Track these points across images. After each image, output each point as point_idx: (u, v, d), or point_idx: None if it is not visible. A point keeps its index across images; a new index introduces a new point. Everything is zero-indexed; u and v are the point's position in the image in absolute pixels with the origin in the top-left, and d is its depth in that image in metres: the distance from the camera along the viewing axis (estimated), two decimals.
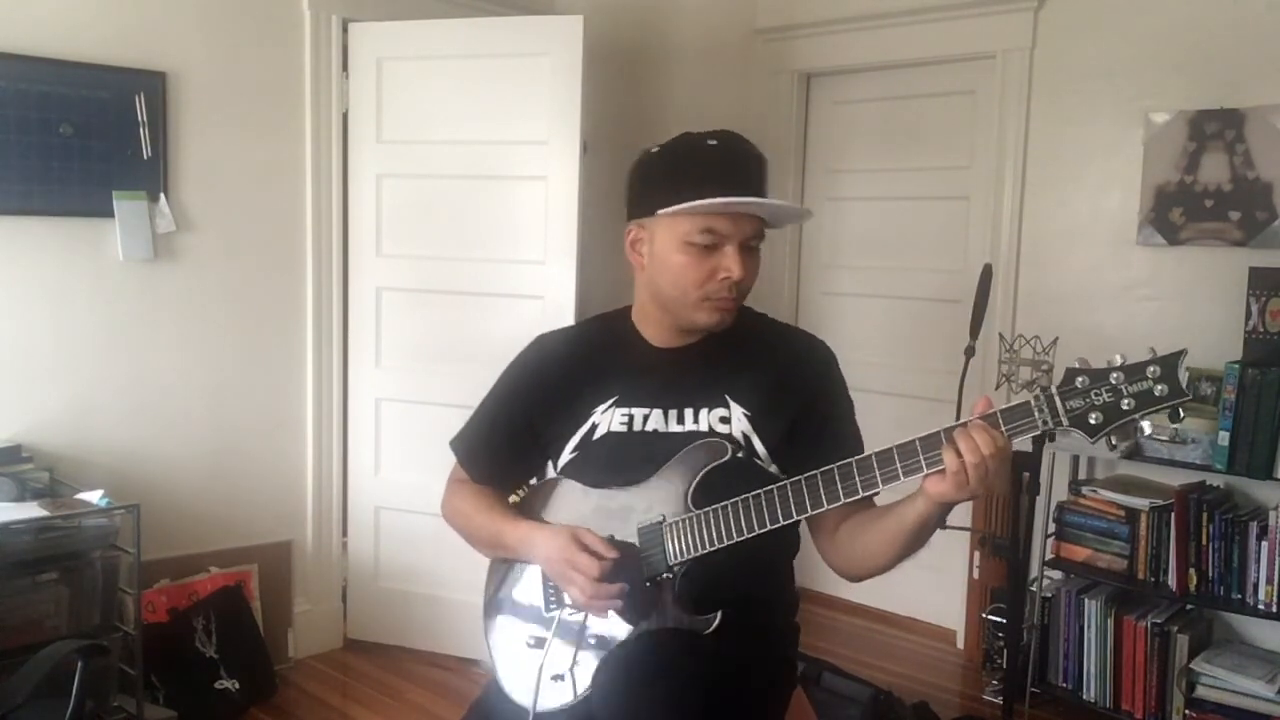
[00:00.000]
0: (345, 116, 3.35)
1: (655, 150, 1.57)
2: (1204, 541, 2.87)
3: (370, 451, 3.42)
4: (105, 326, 2.89)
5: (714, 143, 1.53)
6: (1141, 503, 2.96)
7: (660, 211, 1.52)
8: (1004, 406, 1.34)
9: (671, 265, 1.54)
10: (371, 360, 3.39)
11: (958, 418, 3.20)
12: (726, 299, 1.55)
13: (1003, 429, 1.33)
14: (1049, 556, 3.13)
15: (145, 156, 2.89)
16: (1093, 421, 1.30)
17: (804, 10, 3.94)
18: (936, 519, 1.42)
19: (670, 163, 1.55)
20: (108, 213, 2.83)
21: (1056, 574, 3.19)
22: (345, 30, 3.29)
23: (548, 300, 3.19)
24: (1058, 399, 1.31)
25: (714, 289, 1.53)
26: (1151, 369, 1.28)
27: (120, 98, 2.83)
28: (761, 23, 4.09)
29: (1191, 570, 2.87)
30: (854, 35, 3.84)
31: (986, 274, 3.01)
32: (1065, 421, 1.31)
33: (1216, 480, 2.98)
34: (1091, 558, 3.06)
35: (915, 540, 1.45)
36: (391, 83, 3.28)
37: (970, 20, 3.53)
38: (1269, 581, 2.77)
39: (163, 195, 2.94)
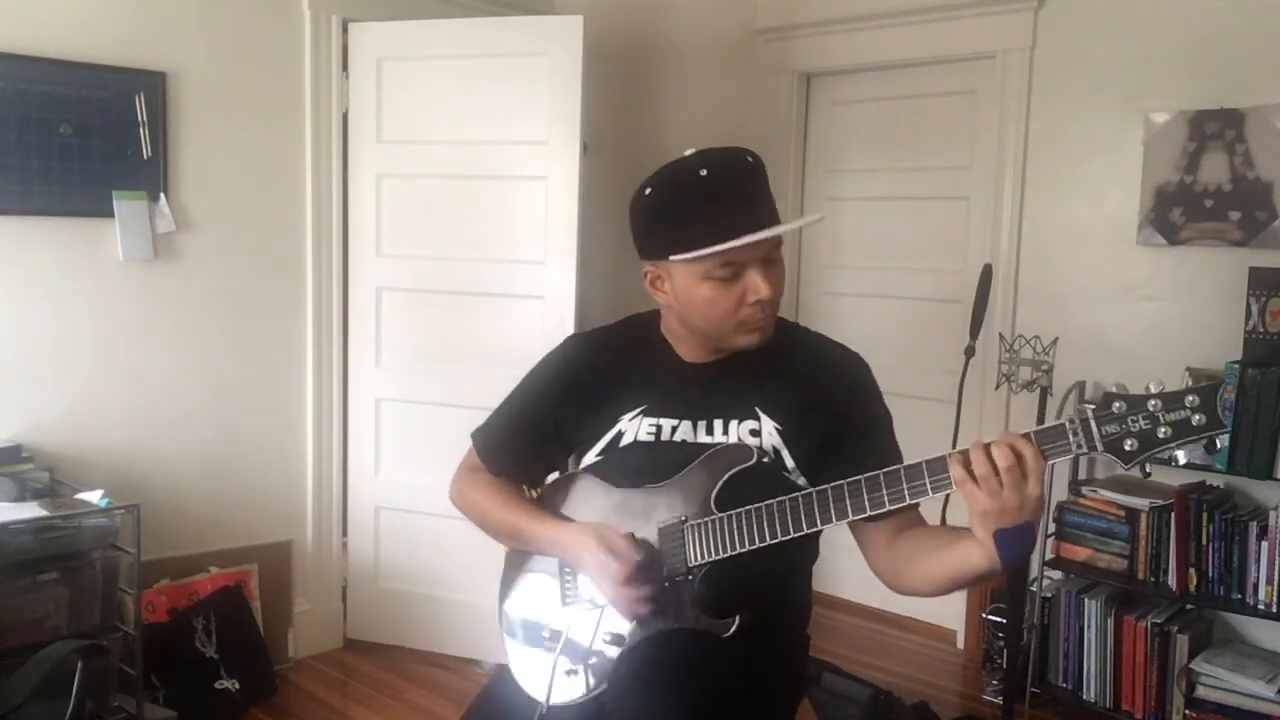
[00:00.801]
0: (345, 116, 3.35)
1: (649, 191, 1.51)
2: (1204, 541, 2.86)
3: (370, 451, 3.42)
4: (105, 326, 2.89)
5: (705, 172, 1.46)
6: (1141, 503, 2.96)
7: (674, 258, 1.48)
8: (1038, 428, 1.32)
9: (698, 301, 1.51)
10: (371, 360, 3.39)
11: (958, 418, 3.21)
12: (762, 319, 1.52)
13: (1036, 447, 1.30)
14: (1049, 556, 3.14)
15: (145, 156, 2.89)
16: (1128, 448, 1.29)
17: (804, 10, 3.94)
18: (995, 567, 1.37)
19: (669, 205, 1.50)
20: (108, 213, 2.83)
21: (1056, 574, 3.19)
22: (345, 30, 3.29)
23: (548, 300, 3.19)
24: (1094, 424, 1.29)
25: (747, 314, 1.51)
26: (1190, 398, 1.27)
27: (120, 98, 2.83)
28: (761, 23, 4.09)
29: (1191, 570, 2.87)
30: (854, 35, 3.84)
31: (986, 274, 3.01)
32: (1100, 447, 1.29)
33: (1216, 480, 2.98)
34: (1091, 558, 3.06)
35: (973, 584, 1.45)
36: (391, 83, 3.28)
37: (970, 20, 3.53)
38: (1269, 581, 2.77)
39: (163, 195, 2.94)
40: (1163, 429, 1.28)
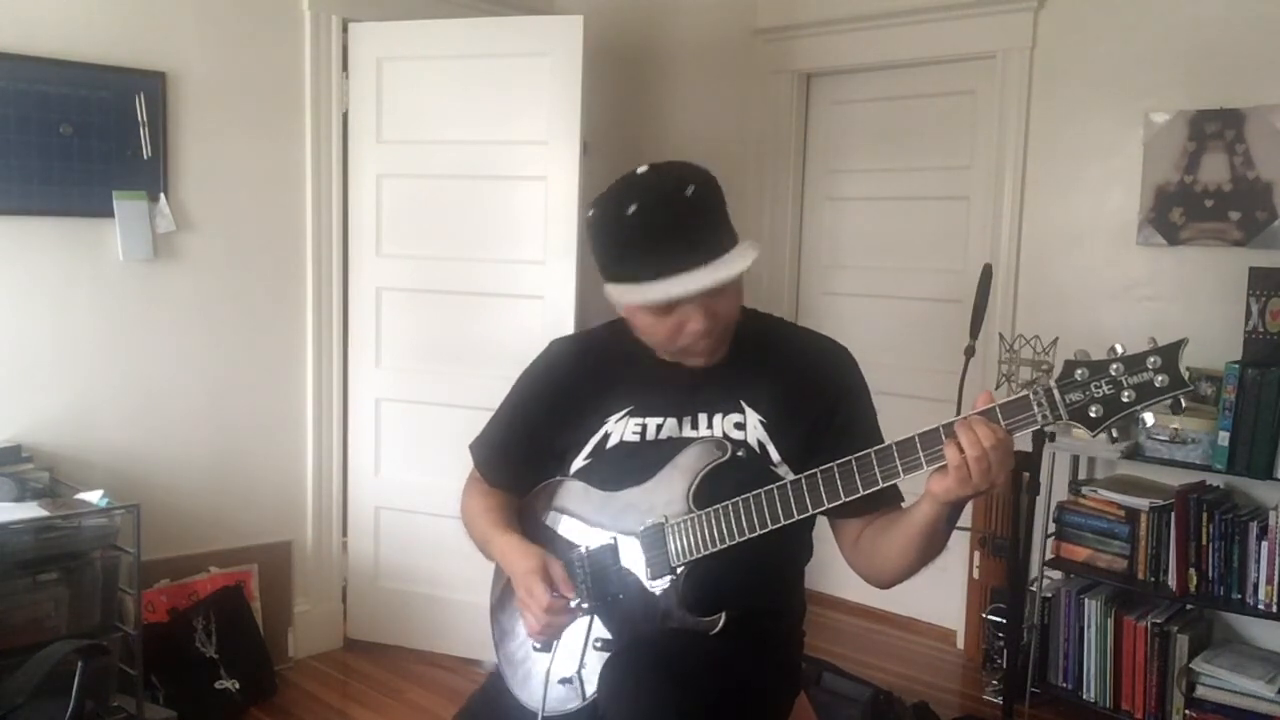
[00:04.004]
0: (345, 116, 3.35)
1: (590, 214, 1.51)
2: (1204, 541, 2.86)
3: (370, 451, 3.42)
4: (105, 326, 2.89)
5: (632, 210, 1.43)
6: (1141, 503, 2.96)
7: (607, 288, 1.51)
8: (1002, 401, 1.32)
9: (639, 325, 1.54)
10: (371, 360, 3.39)
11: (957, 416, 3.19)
12: (702, 347, 1.53)
13: (1001, 424, 1.31)
14: (1049, 556, 3.13)
15: (145, 156, 2.89)
16: (1093, 415, 1.28)
17: (804, 10, 3.94)
18: (945, 519, 1.40)
19: (600, 236, 1.50)
20: (108, 213, 2.83)
21: (1056, 574, 3.19)
22: (345, 30, 3.29)
23: (548, 300, 3.19)
24: (1056, 392, 1.29)
25: (686, 342, 1.51)
26: (1152, 359, 1.26)
27: (120, 98, 2.83)
28: (761, 23, 4.09)
29: (1191, 570, 2.87)
30: (854, 35, 3.84)
31: (986, 274, 3.01)
32: (1065, 415, 1.29)
33: (1216, 480, 2.98)
34: (1091, 558, 3.06)
35: (928, 544, 1.43)
36: (391, 83, 3.28)
37: (970, 20, 3.53)
38: (1269, 581, 2.77)
39: (163, 195, 2.94)
40: (1126, 392, 1.27)
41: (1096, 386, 1.28)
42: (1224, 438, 2.78)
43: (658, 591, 1.51)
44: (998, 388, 3.08)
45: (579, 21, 3.09)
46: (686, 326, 1.49)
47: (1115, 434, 1.30)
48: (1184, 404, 1.27)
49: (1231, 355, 2.85)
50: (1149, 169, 3.16)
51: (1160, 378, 1.26)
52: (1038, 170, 3.43)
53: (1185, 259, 3.13)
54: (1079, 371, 1.29)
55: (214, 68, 3.03)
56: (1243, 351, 2.85)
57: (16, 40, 2.66)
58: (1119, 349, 1.28)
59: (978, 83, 3.60)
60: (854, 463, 1.40)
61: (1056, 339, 2.92)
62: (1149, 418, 1.28)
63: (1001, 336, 3.12)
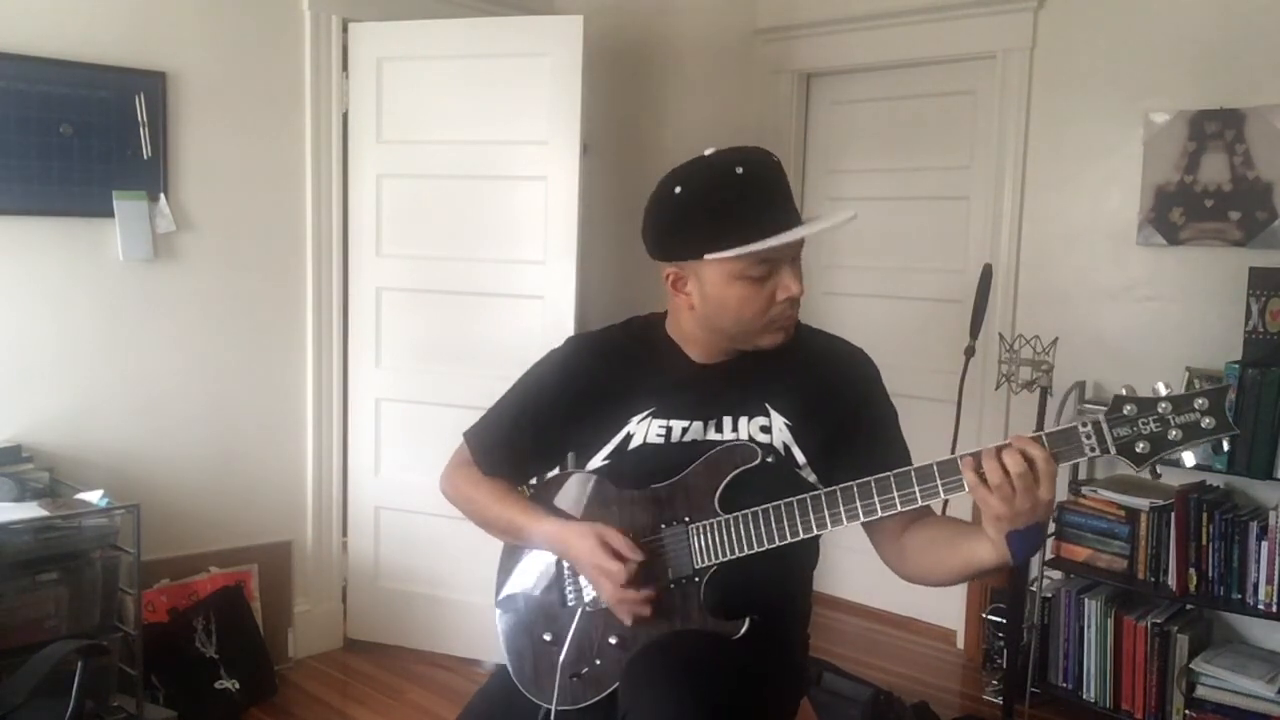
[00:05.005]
0: (345, 116, 3.34)
1: (679, 190, 1.48)
2: (1204, 541, 2.86)
3: (370, 451, 3.42)
4: (105, 326, 2.89)
5: (741, 170, 1.45)
6: (1141, 503, 2.96)
7: (709, 257, 1.46)
8: (1050, 430, 1.34)
9: (729, 302, 1.50)
10: (371, 360, 3.39)
11: (958, 418, 3.21)
12: (790, 317, 1.54)
13: (1048, 450, 1.32)
14: (1049, 556, 3.13)
15: (145, 156, 2.89)
16: (1139, 450, 1.31)
17: (804, 10, 3.94)
18: (1006, 562, 1.40)
19: (703, 203, 1.47)
20: (108, 213, 2.83)
21: (1056, 574, 3.19)
22: (345, 30, 3.29)
23: (548, 300, 3.19)
24: (1105, 426, 1.31)
25: (777, 311, 1.51)
26: (1199, 401, 1.29)
27: (120, 98, 2.83)
28: (761, 23, 4.09)
29: (1191, 570, 2.87)
30: (854, 35, 3.84)
31: (986, 274, 3.01)
32: (1113, 450, 1.31)
33: (1216, 480, 2.98)
34: (1091, 558, 3.06)
35: (982, 575, 1.47)
36: (391, 83, 3.28)
37: (970, 20, 3.53)
38: (1269, 581, 2.77)
39: (163, 195, 2.94)
40: (1173, 431, 1.30)
41: (1144, 423, 1.31)
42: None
43: (679, 592, 1.51)
44: (997, 388, 3.08)
45: (579, 21, 3.09)
46: (778, 294, 1.50)
47: (1159, 471, 1.32)
48: (1226, 446, 1.30)
49: (1231, 355, 2.85)
50: (1149, 169, 3.16)
51: (1207, 419, 1.29)
52: (1038, 170, 3.43)
53: (1185, 259, 3.13)
54: (1127, 407, 1.31)
55: (214, 68, 3.03)
56: (1243, 351, 2.85)
57: (16, 40, 2.66)
58: (1162, 388, 1.31)
59: (978, 83, 3.60)
60: (892, 480, 1.40)
61: (1056, 339, 2.92)
62: (1189, 458, 1.32)
63: (1001, 336, 3.12)
